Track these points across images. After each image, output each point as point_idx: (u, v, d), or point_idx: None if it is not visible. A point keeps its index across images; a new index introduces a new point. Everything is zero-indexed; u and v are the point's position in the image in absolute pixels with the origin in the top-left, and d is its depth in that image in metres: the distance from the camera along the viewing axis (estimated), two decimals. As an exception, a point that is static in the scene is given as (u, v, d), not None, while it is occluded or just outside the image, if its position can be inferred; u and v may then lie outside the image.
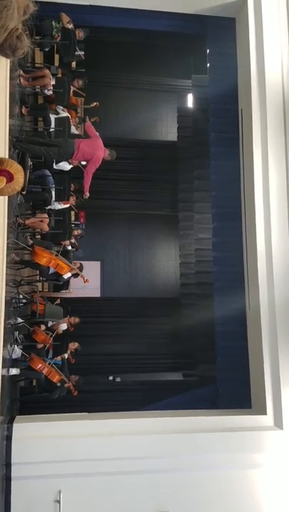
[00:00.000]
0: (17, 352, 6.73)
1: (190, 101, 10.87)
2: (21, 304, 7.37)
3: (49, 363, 7.14)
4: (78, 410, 6.68)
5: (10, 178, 2.40)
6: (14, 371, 6.61)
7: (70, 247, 8.03)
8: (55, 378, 7.16)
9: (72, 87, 8.05)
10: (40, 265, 7.07)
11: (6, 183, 2.40)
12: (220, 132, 7.80)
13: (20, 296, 7.24)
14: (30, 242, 7.31)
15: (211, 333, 7.68)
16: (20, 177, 2.46)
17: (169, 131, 11.69)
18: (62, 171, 7.69)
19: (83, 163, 7.49)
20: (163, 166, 10.64)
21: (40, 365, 6.93)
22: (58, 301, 8.61)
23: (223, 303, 7.48)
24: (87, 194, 7.35)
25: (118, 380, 9.93)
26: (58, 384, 7.23)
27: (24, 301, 7.45)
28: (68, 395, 7.47)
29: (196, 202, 9.34)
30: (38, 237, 7.91)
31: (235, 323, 7.18)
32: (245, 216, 7.18)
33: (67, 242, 7.90)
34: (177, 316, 10.04)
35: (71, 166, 7.54)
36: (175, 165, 10.36)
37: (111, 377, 9.98)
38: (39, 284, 8.70)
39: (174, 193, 10.50)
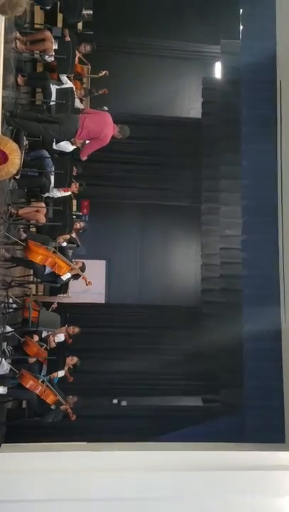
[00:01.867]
0: (5, 367, 6.75)
1: (218, 71, 10.85)
2: (11, 310, 7.39)
3: (42, 381, 7.15)
4: (76, 439, 6.68)
5: (4, 158, 2.39)
6: (1, 390, 6.63)
7: (64, 244, 8.01)
8: (50, 399, 7.16)
9: (77, 53, 8.06)
10: (34, 263, 7.09)
11: (0, 164, 2.39)
12: (253, 109, 7.80)
13: (10, 301, 7.26)
14: (24, 235, 7.34)
15: (237, 351, 7.66)
16: (15, 158, 2.47)
17: (191, 106, 11.65)
18: (63, 153, 7.71)
19: (88, 142, 7.49)
20: (184, 148, 10.62)
21: (31, 383, 6.94)
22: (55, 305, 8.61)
23: (253, 314, 7.46)
24: (85, 157, 7.38)
25: (124, 403, 9.94)
26: (53, 406, 7.23)
27: (14, 306, 7.48)
28: (65, 420, 7.48)
29: (222, 192, 9.35)
30: (33, 230, 7.93)
31: (267, 340, 7.14)
32: (282, 210, 7.13)
33: (66, 236, 7.91)
34: (197, 329, 10.00)
35: (74, 146, 7.54)
36: (198, 147, 10.32)
37: (116, 401, 9.99)
38: (32, 287, 8.72)
39: (196, 181, 10.46)
